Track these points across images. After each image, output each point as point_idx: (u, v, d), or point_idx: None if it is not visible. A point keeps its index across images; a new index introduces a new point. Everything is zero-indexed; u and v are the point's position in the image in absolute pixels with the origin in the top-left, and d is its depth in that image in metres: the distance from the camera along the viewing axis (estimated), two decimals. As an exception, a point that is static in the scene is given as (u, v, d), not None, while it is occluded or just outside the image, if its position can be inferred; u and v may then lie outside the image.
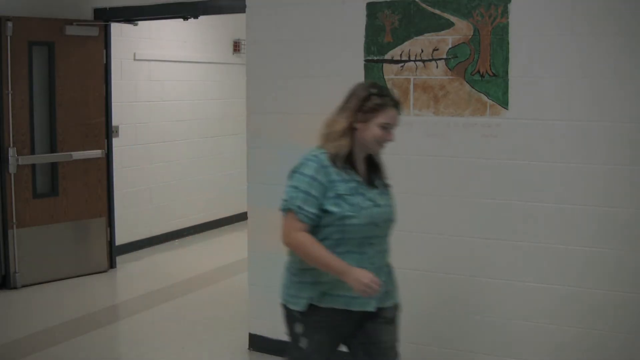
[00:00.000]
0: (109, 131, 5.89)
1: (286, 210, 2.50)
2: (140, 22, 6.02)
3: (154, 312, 4.99)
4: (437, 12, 3.55)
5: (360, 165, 2.59)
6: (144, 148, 6.79)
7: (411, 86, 3.65)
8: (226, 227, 7.82)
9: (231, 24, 7.62)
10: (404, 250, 3.76)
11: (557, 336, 3.46)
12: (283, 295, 2.64)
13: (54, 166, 5.61)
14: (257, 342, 4.21)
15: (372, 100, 2.52)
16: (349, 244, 2.50)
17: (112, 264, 6.03)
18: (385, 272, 2.65)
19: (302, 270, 2.55)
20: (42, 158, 5.53)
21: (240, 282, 5.42)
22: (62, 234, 5.66)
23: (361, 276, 2.41)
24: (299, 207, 2.46)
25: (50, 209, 5.57)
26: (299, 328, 2.59)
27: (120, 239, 6.27)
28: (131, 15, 5.67)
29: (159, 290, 5.49)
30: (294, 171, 2.54)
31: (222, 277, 5.92)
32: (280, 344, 4.12)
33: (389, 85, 3.69)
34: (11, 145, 5.31)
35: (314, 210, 2.46)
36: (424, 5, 3.57)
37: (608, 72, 3.25)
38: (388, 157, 3.70)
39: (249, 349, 4.25)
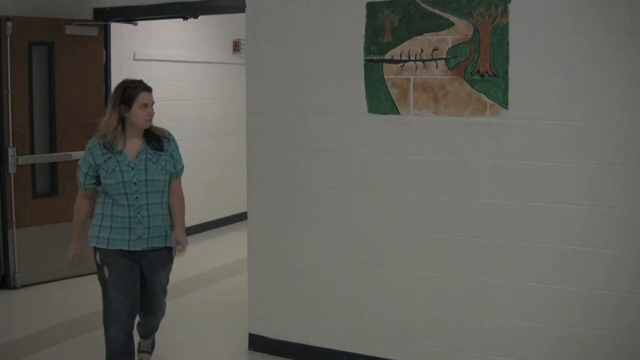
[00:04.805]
0: (108, 131, 5.89)
1: None
2: (140, 22, 6.02)
3: (153, 312, 4.98)
4: (437, 12, 3.55)
5: (133, 140, 3.46)
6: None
7: (411, 86, 3.65)
8: (226, 227, 7.82)
9: (231, 24, 7.63)
10: (404, 250, 3.76)
11: (556, 336, 3.46)
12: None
13: (53, 166, 5.61)
14: (257, 342, 4.21)
15: (128, 91, 3.41)
16: (117, 198, 3.42)
17: (112, 264, 6.02)
18: (157, 219, 3.50)
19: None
20: (42, 158, 5.53)
21: (240, 282, 5.42)
22: (62, 234, 5.63)
23: (70, 250, 3.56)
24: (77, 179, 3.51)
25: (50, 209, 5.57)
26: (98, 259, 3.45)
27: (120, 239, 6.26)
28: (131, 15, 5.67)
29: (159, 290, 5.48)
30: None
31: (222, 277, 5.92)
32: (280, 344, 4.13)
33: (389, 84, 3.69)
34: (11, 145, 5.31)
35: (82, 180, 3.48)
36: (423, 5, 3.57)
37: (608, 72, 3.25)
38: (388, 156, 3.72)
39: (249, 349, 4.25)
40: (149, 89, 3.48)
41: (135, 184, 3.40)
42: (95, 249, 3.47)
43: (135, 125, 3.43)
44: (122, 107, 3.39)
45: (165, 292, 3.76)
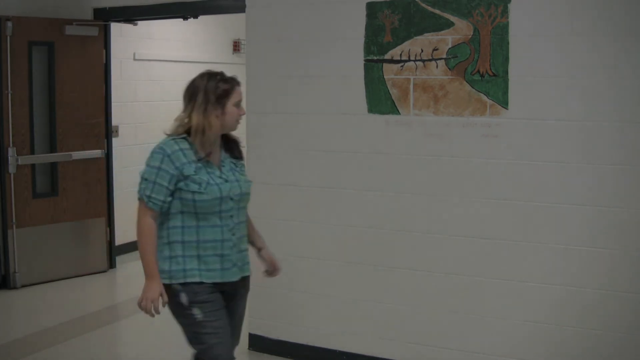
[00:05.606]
0: (108, 131, 5.89)
1: (139, 199, 2.75)
2: (140, 22, 6.02)
3: (153, 312, 4.98)
4: (437, 12, 3.55)
5: (215, 147, 2.82)
6: (143, 148, 6.75)
7: (411, 86, 3.65)
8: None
9: (231, 24, 7.62)
10: (404, 250, 3.76)
11: (556, 336, 3.46)
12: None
13: (53, 166, 5.61)
14: (257, 342, 4.21)
15: (221, 86, 2.76)
16: (206, 218, 2.74)
17: (111, 264, 6.03)
18: (244, 241, 2.90)
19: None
20: (42, 158, 5.53)
21: (240, 282, 5.42)
22: (62, 234, 5.66)
23: (149, 293, 2.74)
24: (148, 197, 2.70)
25: (50, 209, 5.57)
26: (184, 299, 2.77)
27: (120, 239, 6.26)
28: (131, 15, 5.67)
29: (159, 290, 5.48)
30: (146, 163, 2.76)
31: (222, 277, 5.91)
32: (280, 344, 4.13)
33: (389, 84, 3.69)
34: (11, 145, 5.31)
35: (161, 197, 2.70)
36: (423, 5, 3.57)
37: (608, 72, 3.25)
38: (388, 156, 3.72)
39: (249, 349, 4.25)
40: (240, 84, 2.88)
41: (231, 199, 2.77)
42: (178, 286, 2.76)
43: (224, 127, 2.81)
44: (216, 105, 2.78)
45: (241, 328, 3.09)
